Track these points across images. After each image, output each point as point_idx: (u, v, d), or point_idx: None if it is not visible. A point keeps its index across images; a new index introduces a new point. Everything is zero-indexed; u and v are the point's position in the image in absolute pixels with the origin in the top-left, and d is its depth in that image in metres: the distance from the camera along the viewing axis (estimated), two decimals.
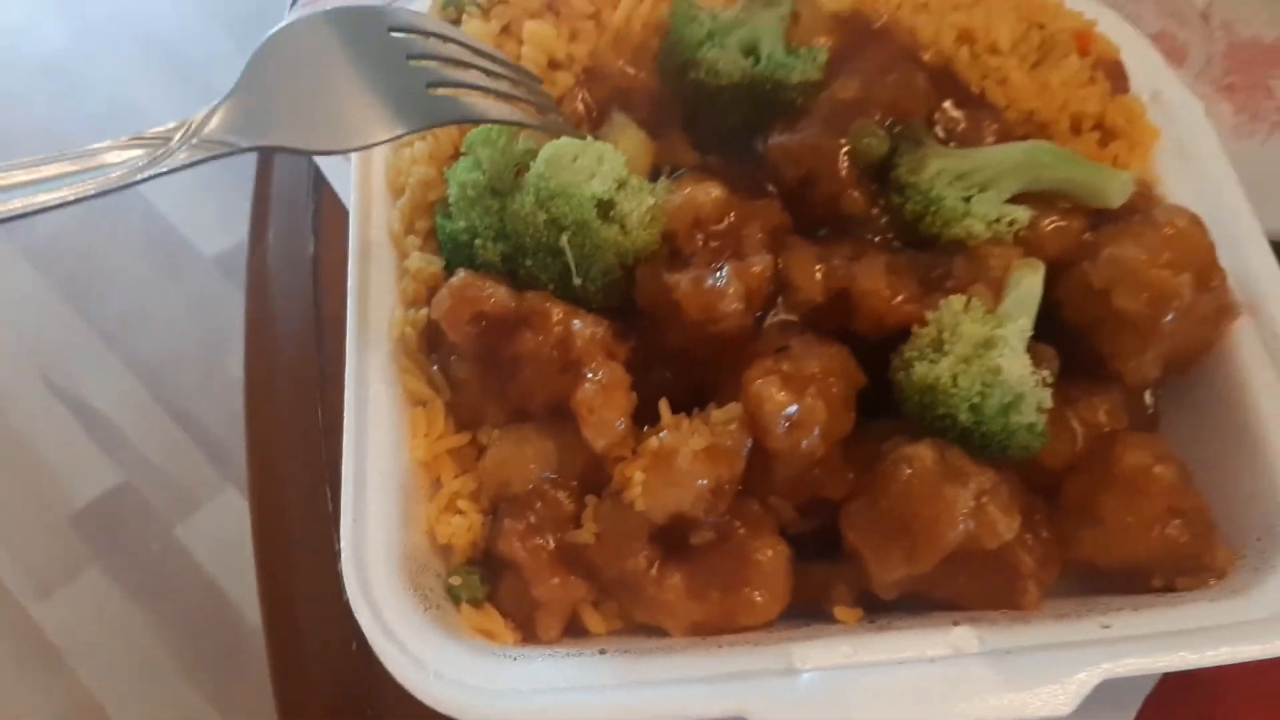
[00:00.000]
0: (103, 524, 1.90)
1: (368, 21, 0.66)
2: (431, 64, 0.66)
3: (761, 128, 0.70)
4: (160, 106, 2.37)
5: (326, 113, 0.62)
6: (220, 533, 1.88)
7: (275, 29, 0.63)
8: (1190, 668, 0.57)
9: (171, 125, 0.58)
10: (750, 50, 0.70)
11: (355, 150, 0.67)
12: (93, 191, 0.54)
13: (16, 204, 0.52)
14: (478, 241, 0.64)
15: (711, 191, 0.64)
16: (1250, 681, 0.70)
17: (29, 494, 1.93)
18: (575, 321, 0.61)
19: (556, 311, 0.62)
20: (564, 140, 0.63)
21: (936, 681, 0.56)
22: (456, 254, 0.66)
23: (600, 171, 0.63)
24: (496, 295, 0.61)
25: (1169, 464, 0.63)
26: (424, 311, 0.66)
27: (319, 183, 0.87)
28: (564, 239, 0.62)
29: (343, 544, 0.58)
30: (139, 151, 0.56)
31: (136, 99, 2.40)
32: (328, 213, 0.86)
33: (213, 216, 2.19)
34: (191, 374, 2.03)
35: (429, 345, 0.66)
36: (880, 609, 0.62)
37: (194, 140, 0.57)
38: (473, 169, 0.64)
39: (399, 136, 0.63)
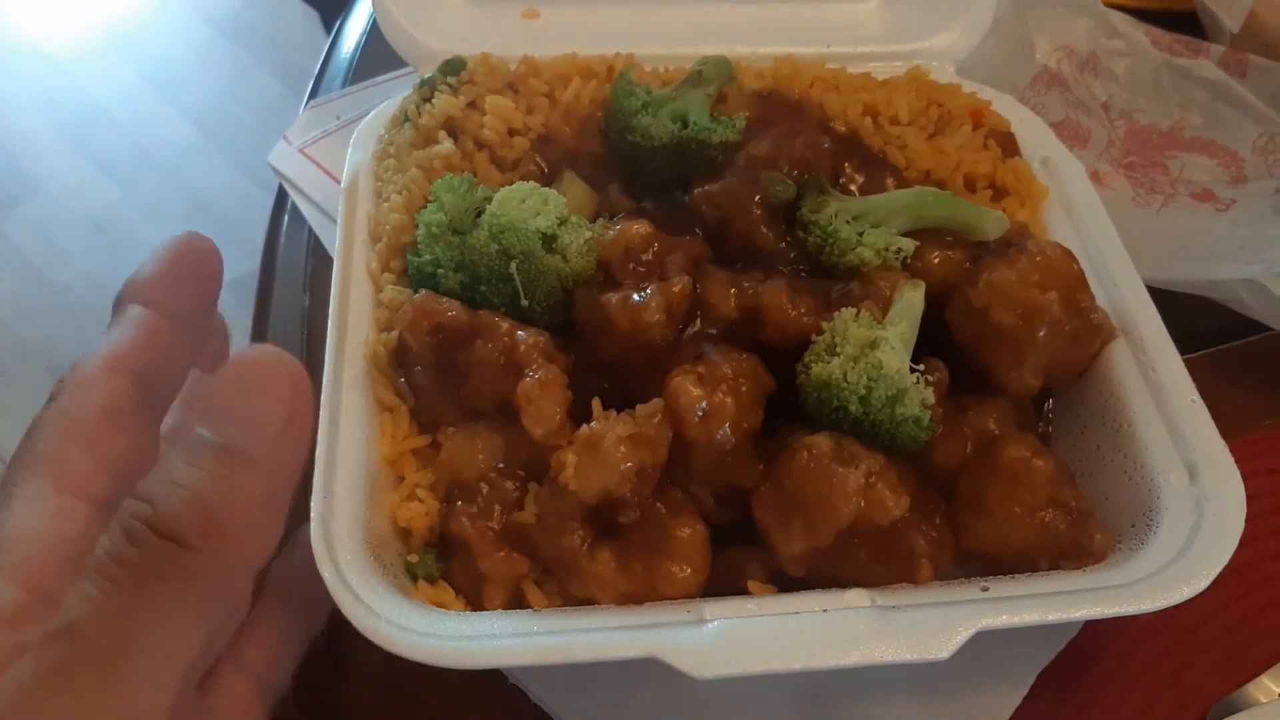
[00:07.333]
0: None
1: None
2: None
3: (688, 182, 0.81)
4: None
5: None
6: None
7: None
8: (1062, 622, 0.64)
9: None
10: (679, 119, 0.82)
11: None
12: None
13: None
14: (440, 271, 0.74)
15: (641, 227, 0.75)
16: (1140, 661, 0.76)
17: None
18: (520, 332, 0.71)
19: (504, 324, 0.71)
20: (515, 184, 0.75)
21: (829, 629, 0.62)
22: (423, 283, 0.75)
23: (545, 210, 0.73)
24: (453, 309, 0.71)
25: (1046, 458, 0.70)
26: (395, 334, 0.74)
27: (318, 250, 0.99)
28: (513, 266, 0.73)
29: (312, 514, 0.65)
30: None
31: None
32: (322, 274, 0.97)
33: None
34: None
35: (397, 362, 0.74)
36: (794, 590, 0.68)
37: None
38: (437, 211, 0.75)
39: None
